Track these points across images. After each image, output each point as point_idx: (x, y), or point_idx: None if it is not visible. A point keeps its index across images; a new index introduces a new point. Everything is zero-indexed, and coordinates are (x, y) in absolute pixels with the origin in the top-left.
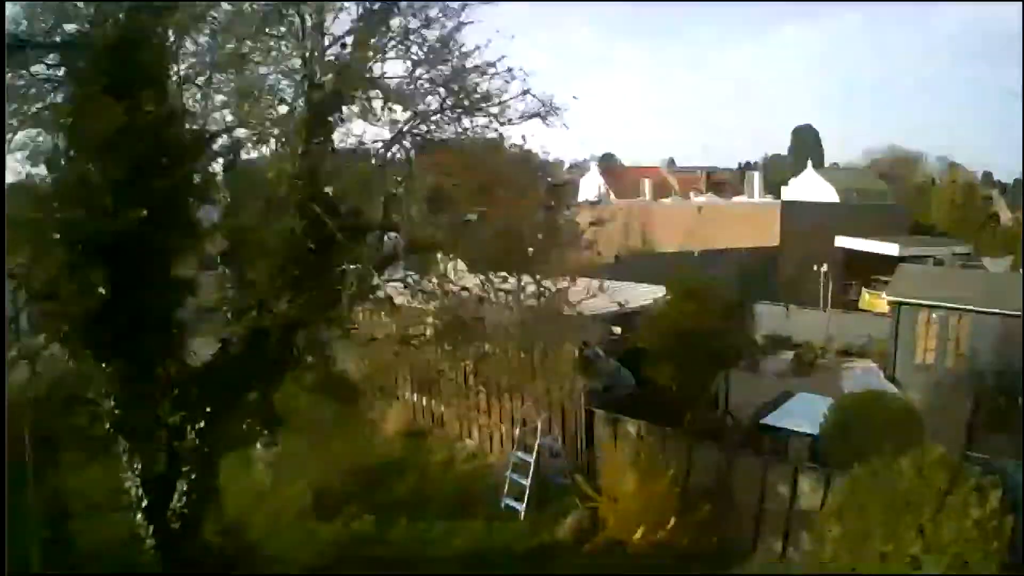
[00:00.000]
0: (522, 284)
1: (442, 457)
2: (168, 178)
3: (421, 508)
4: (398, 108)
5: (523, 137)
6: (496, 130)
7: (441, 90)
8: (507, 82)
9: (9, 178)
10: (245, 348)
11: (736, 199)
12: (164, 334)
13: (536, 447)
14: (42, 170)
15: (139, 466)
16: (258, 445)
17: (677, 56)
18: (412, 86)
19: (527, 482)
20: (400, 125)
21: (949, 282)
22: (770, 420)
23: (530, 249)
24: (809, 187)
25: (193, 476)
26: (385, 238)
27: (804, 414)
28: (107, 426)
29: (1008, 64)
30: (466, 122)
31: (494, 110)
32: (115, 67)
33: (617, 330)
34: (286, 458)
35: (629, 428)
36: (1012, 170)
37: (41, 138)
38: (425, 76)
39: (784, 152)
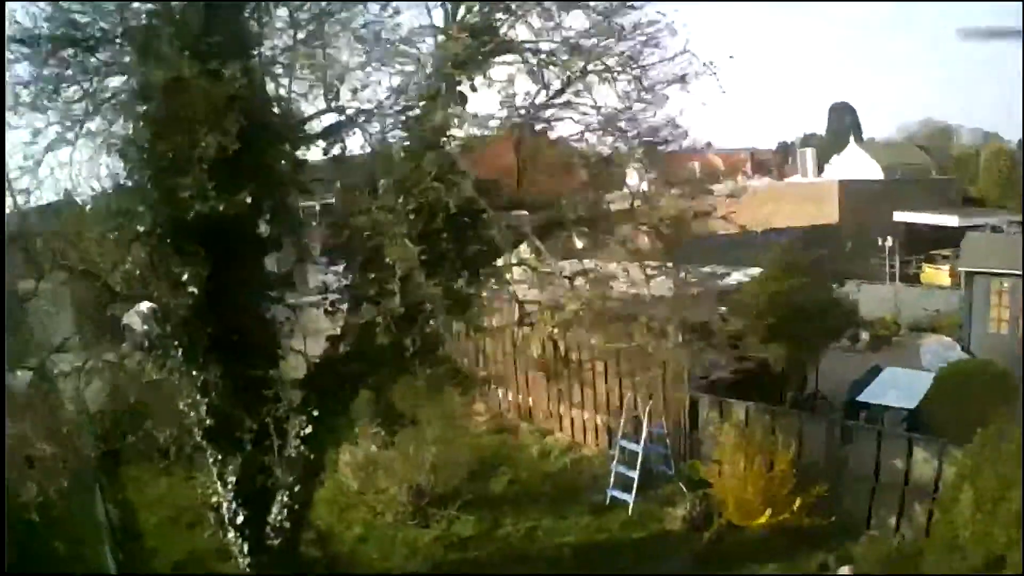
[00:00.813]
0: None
1: (537, 451)
2: (268, 160)
3: (523, 504)
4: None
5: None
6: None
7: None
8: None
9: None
10: (359, 342)
11: (789, 179)
12: (262, 335)
13: (643, 437)
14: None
15: (233, 479)
16: (372, 447)
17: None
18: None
19: (635, 473)
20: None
21: (1018, 250)
22: (865, 397)
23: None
24: (853, 163)
25: (296, 487)
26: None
27: (897, 388)
28: (199, 438)
29: None
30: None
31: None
32: (201, 37)
33: (723, 309)
34: (374, 458)
35: (736, 410)
36: None
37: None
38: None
39: (820, 132)
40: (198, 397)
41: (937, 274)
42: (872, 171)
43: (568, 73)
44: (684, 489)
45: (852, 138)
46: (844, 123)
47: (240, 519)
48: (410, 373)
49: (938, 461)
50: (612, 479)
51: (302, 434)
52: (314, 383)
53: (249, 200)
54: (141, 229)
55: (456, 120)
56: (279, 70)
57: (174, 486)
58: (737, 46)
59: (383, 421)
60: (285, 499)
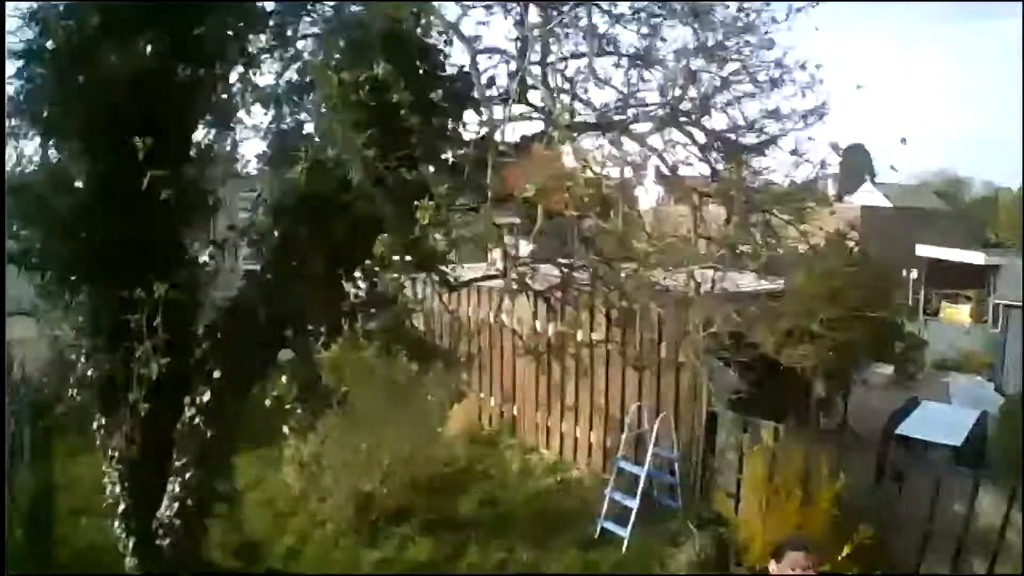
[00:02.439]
0: None
1: (518, 468)
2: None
3: (495, 529)
4: None
5: None
6: None
7: None
8: None
9: None
10: (280, 280)
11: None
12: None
13: (648, 459)
14: None
15: (116, 453)
16: (285, 428)
17: None
18: None
19: (634, 502)
20: None
21: None
22: (905, 430)
23: None
24: (866, 202)
25: (189, 473)
26: None
27: (939, 423)
28: (72, 391)
29: None
30: None
31: None
32: None
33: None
34: (325, 457)
35: (763, 434)
36: None
37: None
38: None
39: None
40: (72, 334)
41: (957, 313)
42: None
43: None
44: (692, 527)
45: (867, 178)
46: (858, 163)
47: (122, 507)
48: (349, 332)
49: (1007, 507)
50: (605, 508)
51: (199, 402)
52: (218, 334)
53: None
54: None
55: None
56: None
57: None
58: None
59: (300, 393)
60: (177, 489)
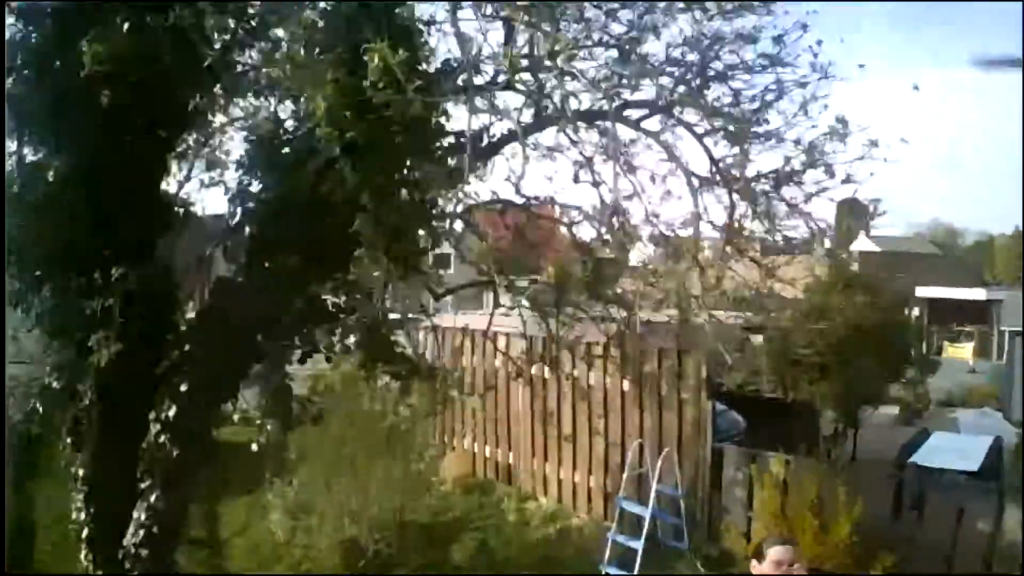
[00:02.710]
0: None
1: (515, 518)
2: None
3: None
4: None
5: None
6: None
7: None
8: None
9: None
10: (256, 287)
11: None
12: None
13: (652, 497)
14: None
15: (81, 472)
16: (253, 447)
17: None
18: None
19: (638, 543)
20: None
21: None
22: (920, 459)
23: None
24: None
25: (155, 496)
26: None
27: (952, 451)
28: (34, 403)
29: None
30: None
31: None
32: None
33: (758, 339)
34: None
35: (771, 466)
36: None
37: None
38: None
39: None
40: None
41: (960, 351)
42: None
43: None
44: (700, 568)
45: (863, 232)
46: (853, 217)
47: (86, 531)
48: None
49: None
50: (608, 552)
51: (164, 418)
52: (186, 346)
53: None
54: None
55: None
56: None
57: None
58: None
59: (274, 401)
60: (143, 515)
